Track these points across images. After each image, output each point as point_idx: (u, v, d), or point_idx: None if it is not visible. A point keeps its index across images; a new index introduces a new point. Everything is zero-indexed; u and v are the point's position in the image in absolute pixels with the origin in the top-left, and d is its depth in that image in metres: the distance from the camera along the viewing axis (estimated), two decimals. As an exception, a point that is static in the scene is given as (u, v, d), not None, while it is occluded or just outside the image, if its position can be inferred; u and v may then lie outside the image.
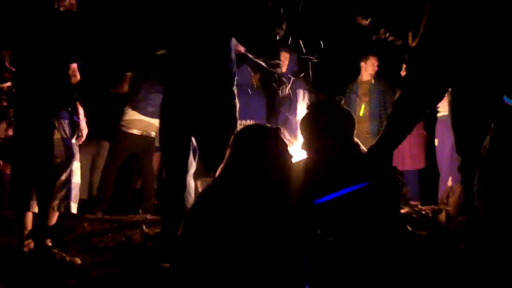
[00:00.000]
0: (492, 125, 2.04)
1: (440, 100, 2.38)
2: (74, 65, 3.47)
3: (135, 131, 5.22)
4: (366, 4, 2.17)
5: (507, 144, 1.96)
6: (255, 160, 2.21)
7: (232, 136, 2.35)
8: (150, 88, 5.06)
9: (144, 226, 3.97)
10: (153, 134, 5.25)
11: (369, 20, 2.16)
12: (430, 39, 2.08)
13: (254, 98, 5.04)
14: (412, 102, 2.26)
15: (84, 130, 3.52)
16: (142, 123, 5.17)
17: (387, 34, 2.22)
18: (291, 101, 5.00)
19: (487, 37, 2.01)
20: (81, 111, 3.48)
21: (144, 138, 5.28)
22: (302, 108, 3.50)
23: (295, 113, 4.03)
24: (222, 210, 2.09)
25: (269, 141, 2.26)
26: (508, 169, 1.96)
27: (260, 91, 5.35)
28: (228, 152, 2.28)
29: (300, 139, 2.54)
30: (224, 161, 2.27)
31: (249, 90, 4.90)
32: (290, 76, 5.08)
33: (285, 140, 2.33)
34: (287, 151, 2.32)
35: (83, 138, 3.55)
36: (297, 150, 3.11)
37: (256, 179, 2.17)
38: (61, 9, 3.44)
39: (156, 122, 4.67)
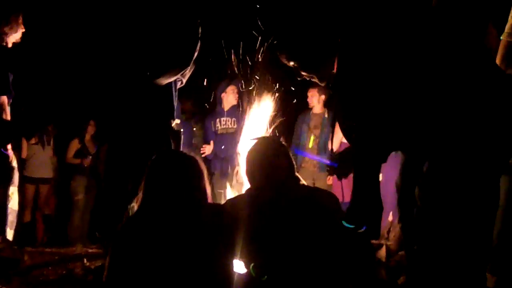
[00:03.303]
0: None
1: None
2: (4, 98, 3.42)
3: None
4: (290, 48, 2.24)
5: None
6: (166, 189, 2.20)
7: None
8: None
9: (85, 259, 3.89)
10: None
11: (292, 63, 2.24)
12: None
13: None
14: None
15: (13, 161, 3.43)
16: None
17: (310, 76, 2.28)
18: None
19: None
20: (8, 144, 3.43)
21: None
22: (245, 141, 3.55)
23: None
24: (140, 243, 2.10)
25: (181, 170, 2.27)
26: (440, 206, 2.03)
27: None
28: (142, 182, 2.28)
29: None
30: (141, 191, 2.26)
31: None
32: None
33: (201, 168, 2.34)
34: (202, 178, 2.32)
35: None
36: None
37: (168, 210, 2.18)
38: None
39: None
